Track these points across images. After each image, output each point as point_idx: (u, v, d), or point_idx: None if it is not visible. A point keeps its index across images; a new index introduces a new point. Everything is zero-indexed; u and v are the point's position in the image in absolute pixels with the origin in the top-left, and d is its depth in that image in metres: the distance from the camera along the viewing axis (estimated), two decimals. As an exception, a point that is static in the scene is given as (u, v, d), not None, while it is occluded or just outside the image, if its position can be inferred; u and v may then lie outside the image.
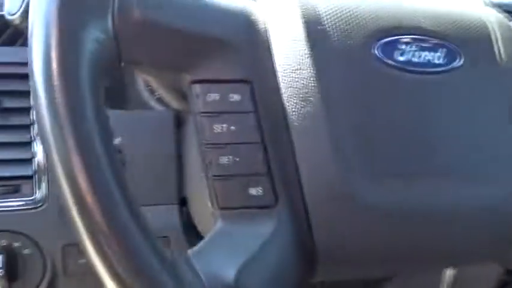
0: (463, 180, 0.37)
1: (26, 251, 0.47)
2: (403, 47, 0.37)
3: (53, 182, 0.47)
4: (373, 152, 0.35)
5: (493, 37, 0.40)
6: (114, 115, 0.49)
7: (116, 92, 0.53)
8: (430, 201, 0.36)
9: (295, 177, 0.35)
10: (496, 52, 0.40)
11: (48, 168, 0.47)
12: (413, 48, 0.37)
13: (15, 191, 0.47)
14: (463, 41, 0.39)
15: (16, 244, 0.47)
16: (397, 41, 0.37)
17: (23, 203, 0.47)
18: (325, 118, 0.35)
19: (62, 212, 0.29)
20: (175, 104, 0.45)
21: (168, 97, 0.45)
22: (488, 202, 0.37)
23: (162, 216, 0.49)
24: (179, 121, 0.50)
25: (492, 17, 0.41)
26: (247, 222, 0.34)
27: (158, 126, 0.50)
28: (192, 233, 0.50)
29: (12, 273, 0.47)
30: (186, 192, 0.50)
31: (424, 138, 0.37)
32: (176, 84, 0.38)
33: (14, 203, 0.47)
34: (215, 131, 0.34)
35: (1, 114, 0.48)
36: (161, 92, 0.45)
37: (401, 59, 0.37)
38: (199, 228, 0.49)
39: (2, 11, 0.43)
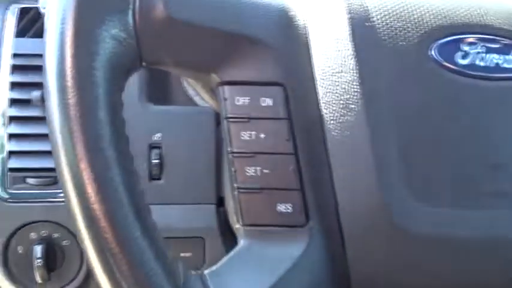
0: None
1: (65, 243, 0.48)
2: (466, 48, 0.32)
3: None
4: (424, 173, 0.31)
5: None
6: (156, 110, 0.49)
7: (160, 87, 0.52)
8: (490, 232, 0.31)
9: (330, 195, 0.31)
10: None
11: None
12: (479, 49, 0.32)
13: (54, 183, 0.47)
14: None
15: (56, 235, 0.48)
16: (459, 40, 0.32)
17: (63, 194, 0.47)
18: (368, 130, 0.31)
19: None
20: (211, 102, 0.42)
21: (204, 95, 0.42)
22: None
23: (198, 216, 0.48)
24: (220, 118, 0.48)
25: None
26: (273, 242, 0.31)
27: (200, 123, 0.48)
28: (228, 235, 0.47)
29: (51, 263, 0.47)
30: (225, 192, 0.47)
31: (487, 158, 0.31)
32: (209, 83, 0.35)
33: (53, 194, 0.47)
34: (243, 138, 0.31)
35: (43, 105, 0.48)
36: (197, 89, 0.43)
37: (463, 62, 0.32)
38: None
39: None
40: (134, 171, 0.28)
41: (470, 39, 0.32)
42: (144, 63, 0.30)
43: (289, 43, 0.32)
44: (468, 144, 0.31)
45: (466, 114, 0.32)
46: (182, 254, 0.48)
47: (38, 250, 0.46)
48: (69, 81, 0.26)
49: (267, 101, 0.32)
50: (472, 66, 0.32)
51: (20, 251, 0.48)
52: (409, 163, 0.31)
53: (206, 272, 0.30)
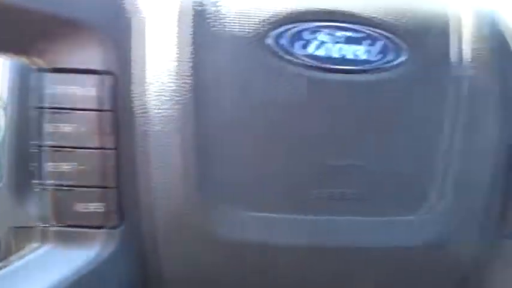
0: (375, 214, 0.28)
1: None
2: (309, 36, 0.28)
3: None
4: (251, 179, 0.28)
5: (453, 35, 0.30)
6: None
7: None
8: (313, 240, 0.28)
9: (149, 195, 0.28)
10: (453, 52, 0.29)
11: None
12: (326, 39, 0.28)
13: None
14: (405, 33, 0.29)
15: None
16: (302, 29, 0.28)
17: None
18: (193, 126, 0.28)
19: None
20: None
21: None
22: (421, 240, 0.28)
23: None
24: None
25: (465, 10, 0.30)
26: (78, 244, 0.28)
27: None
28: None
29: None
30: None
31: (323, 158, 0.28)
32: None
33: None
34: (60, 131, 0.29)
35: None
36: None
37: (305, 52, 0.28)
38: None
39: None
40: None
41: (315, 27, 0.28)
42: None
43: (116, 27, 0.29)
44: (300, 145, 0.28)
45: (303, 109, 0.28)
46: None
47: None
48: None
49: (90, 91, 0.29)
50: (314, 57, 0.28)
51: None
52: (234, 170, 0.28)
53: None
